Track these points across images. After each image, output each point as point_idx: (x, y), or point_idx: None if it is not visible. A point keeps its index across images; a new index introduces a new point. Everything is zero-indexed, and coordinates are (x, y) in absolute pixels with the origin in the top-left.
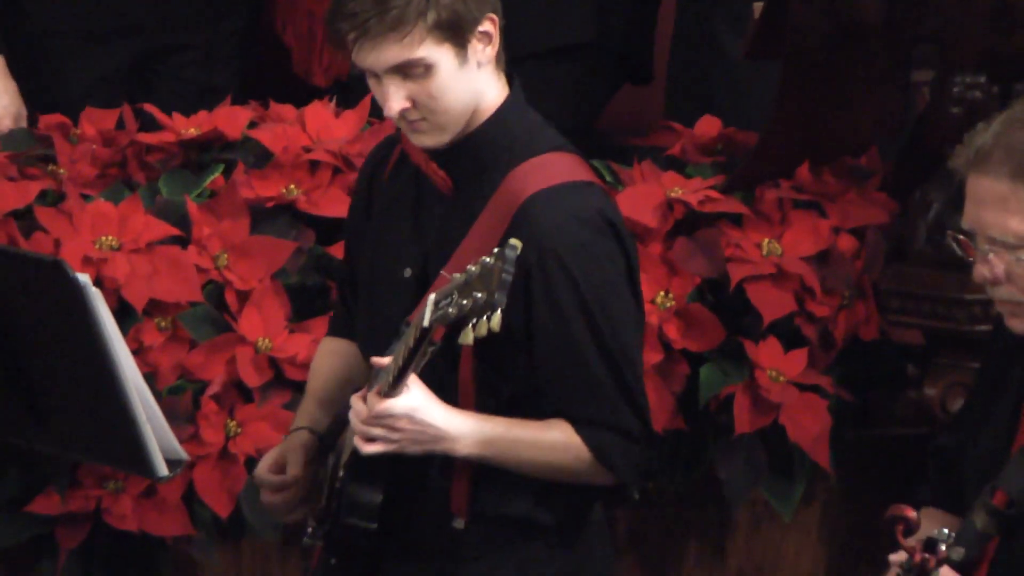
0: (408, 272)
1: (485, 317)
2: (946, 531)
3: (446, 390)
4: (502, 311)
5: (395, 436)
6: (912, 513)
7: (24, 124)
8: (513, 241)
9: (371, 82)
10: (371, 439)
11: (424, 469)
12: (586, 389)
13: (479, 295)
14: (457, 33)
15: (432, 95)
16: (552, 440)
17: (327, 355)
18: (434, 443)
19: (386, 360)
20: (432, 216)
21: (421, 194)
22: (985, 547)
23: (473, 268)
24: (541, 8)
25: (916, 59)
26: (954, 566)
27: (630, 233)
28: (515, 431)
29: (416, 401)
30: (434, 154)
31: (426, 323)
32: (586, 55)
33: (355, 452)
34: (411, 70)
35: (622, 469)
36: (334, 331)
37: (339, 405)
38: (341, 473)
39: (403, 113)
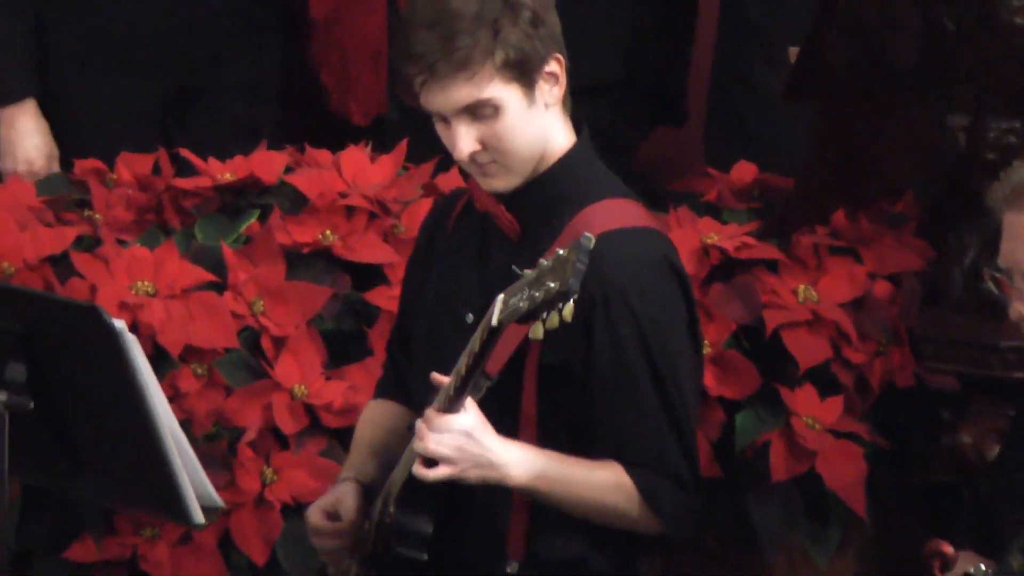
0: (470, 317)
1: (558, 308)
2: (983, 567)
3: (507, 429)
4: (566, 334)
5: (455, 456)
6: (949, 549)
7: (57, 165)
8: (587, 233)
9: (439, 126)
10: (431, 464)
11: (480, 510)
12: (641, 430)
13: (552, 284)
14: (525, 72)
15: (501, 136)
16: (603, 479)
17: (374, 413)
18: (490, 469)
19: (447, 378)
20: (497, 262)
21: (486, 241)
22: None
23: (545, 262)
24: (570, 47)
25: (952, 103)
26: None
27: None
28: (568, 466)
29: (473, 421)
30: (501, 198)
31: (495, 321)
32: (615, 94)
33: (407, 483)
34: (480, 111)
35: (670, 516)
36: (381, 393)
37: (387, 459)
38: (392, 508)
39: (473, 156)
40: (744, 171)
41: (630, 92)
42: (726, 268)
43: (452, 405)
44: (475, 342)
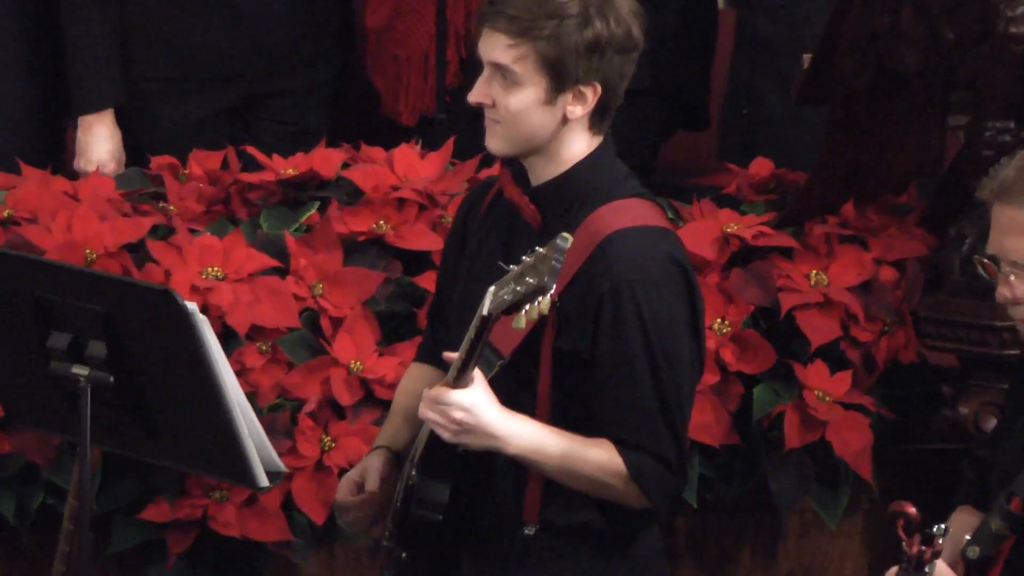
0: None
1: (536, 301)
2: (943, 526)
3: (523, 407)
4: (578, 322)
5: (452, 425)
6: (912, 509)
7: (122, 170)
8: (564, 234)
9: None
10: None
11: (497, 476)
12: (635, 414)
13: (531, 280)
14: (555, 77)
15: (508, 106)
16: (595, 456)
17: (411, 379)
18: (486, 439)
19: (455, 354)
20: (521, 249)
21: (512, 230)
22: (1000, 546)
23: (527, 259)
24: None
25: (952, 105)
26: (971, 564)
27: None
28: (563, 442)
29: (475, 397)
30: (527, 190)
31: (486, 311)
32: (640, 101)
33: (426, 448)
34: (504, 73)
35: (655, 493)
36: (420, 358)
37: (419, 423)
38: (413, 472)
39: (483, 106)
40: (761, 166)
41: (655, 99)
42: (744, 255)
43: (458, 381)
44: (471, 331)
